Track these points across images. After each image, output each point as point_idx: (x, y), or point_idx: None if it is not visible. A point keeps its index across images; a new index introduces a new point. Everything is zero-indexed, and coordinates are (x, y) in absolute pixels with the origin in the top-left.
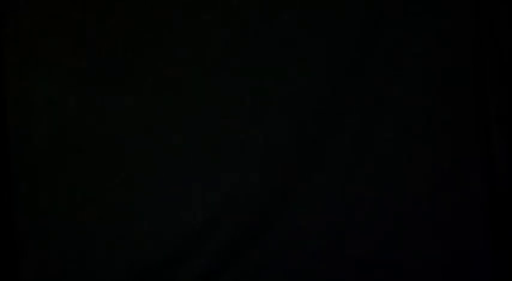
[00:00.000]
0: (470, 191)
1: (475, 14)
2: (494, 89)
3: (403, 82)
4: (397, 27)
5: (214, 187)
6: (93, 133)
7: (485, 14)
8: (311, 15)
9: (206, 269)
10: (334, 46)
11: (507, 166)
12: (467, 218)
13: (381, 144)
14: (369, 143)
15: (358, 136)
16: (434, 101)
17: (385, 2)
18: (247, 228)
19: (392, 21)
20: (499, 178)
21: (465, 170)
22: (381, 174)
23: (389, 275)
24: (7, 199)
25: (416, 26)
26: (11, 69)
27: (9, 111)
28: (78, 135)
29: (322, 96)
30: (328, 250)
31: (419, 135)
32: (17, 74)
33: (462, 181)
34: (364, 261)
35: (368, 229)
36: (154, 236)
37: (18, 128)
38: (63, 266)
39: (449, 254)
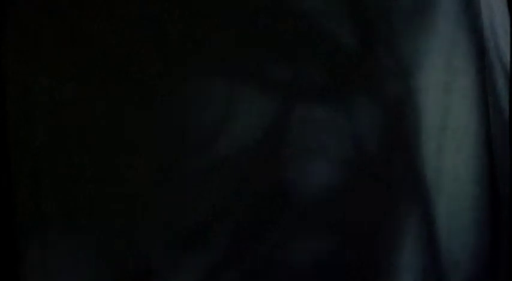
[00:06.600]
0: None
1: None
2: (494, 89)
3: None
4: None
5: (215, 186)
6: (94, 133)
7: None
8: None
9: (207, 270)
10: None
11: (507, 166)
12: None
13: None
14: (364, 143)
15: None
16: None
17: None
18: (248, 228)
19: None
20: (499, 178)
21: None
22: (381, 174)
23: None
24: (7, 199)
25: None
26: (11, 69)
27: (9, 111)
28: (79, 136)
29: None
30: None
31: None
32: (17, 74)
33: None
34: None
35: (372, 229)
36: (156, 237)
37: (18, 128)
38: (64, 267)
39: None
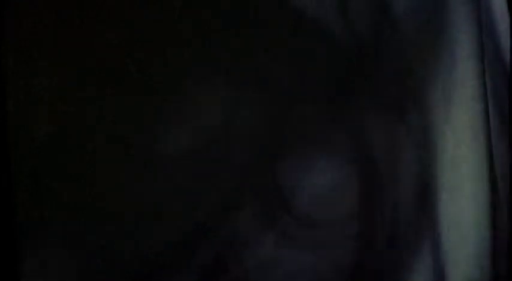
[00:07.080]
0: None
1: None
2: (494, 89)
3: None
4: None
5: (215, 186)
6: (94, 133)
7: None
8: None
9: (208, 269)
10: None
11: (507, 166)
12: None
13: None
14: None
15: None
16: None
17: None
18: (248, 229)
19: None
20: (499, 178)
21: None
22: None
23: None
24: (7, 199)
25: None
26: (11, 69)
27: (9, 111)
28: (79, 136)
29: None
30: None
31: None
32: (17, 74)
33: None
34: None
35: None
36: (156, 237)
37: (18, 128)
38: (64, 267)
39: None
